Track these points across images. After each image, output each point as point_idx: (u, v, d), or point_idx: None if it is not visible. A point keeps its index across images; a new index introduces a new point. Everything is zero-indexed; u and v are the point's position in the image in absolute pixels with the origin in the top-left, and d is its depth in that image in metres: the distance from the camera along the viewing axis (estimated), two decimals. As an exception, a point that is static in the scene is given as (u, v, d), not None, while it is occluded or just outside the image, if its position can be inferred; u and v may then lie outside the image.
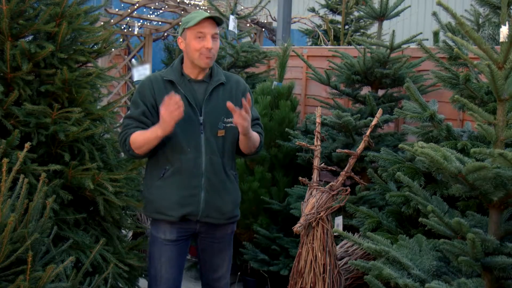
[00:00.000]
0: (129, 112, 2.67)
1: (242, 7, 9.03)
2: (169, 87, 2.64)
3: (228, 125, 2.64)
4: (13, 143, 2.40)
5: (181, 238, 2.71)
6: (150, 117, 2.62)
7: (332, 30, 9.02)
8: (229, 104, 2.46)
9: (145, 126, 2.60)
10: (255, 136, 2.70)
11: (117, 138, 2.70)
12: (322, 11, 9.94)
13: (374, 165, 3.54)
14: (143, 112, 2.61)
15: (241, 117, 2.46)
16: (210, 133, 2.62)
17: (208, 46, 2.60)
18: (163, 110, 2.42)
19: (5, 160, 1.98)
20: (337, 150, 2.95)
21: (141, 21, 8.02)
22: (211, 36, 2.61)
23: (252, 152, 2.77)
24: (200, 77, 2.69)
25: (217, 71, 2.73)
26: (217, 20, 2.64)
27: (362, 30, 9.50)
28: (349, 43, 7.85)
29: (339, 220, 3.20)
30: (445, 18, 3.01)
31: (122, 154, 3.01)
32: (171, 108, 2.40)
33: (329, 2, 9.62)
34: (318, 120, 2.94)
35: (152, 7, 7.62)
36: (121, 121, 2.77)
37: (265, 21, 8.97)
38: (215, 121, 2.62)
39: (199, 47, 2.61)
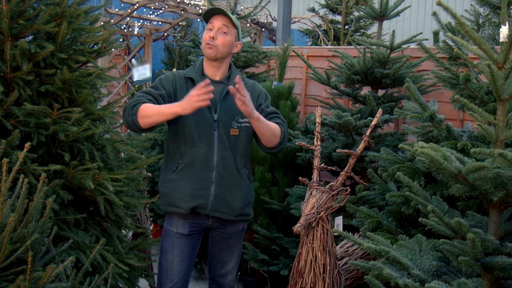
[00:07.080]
0: (147, 89, 2.73)
1: (242, 7, 9.03)
2: (189, 84, 2.73)
3: (243, 125, 2.72)
4: (13, 143, 2.39)
5: (193, 232, 2.78)
6: (164, 102, 2.66)
7: (332, 30, 9.02)
8: (231, 87, 2.50)
9: (159, 104, 2.64)
10: (271, 124, 2.70)
11: (126, 104, 2.69)
12: (322, 11, 9.95)
13: (374, 165, 3.53)
14: (161, 95, 2.67)
15: (239, 101, 2.49)
16: (223, 131, 2.70)
17: (210, 35, 2.68)
18: (195, 92, 2.46)
19: (5, 160, 1.97)
20: (337, 150, 2.94)
21: (141, 21, 8.03)
22: (218, 28, 2.70)
23: (275, 144, 2.74)
24: (217, 77, 2.77)
25: (236, 74, 2.81)
26: (226, 14, 2.70)
27: (362, 30, 9.51)
28: (349, 43, 7.85)
29: (339, 220, 3.20)
30: (445, 18, 3.01)
31: (122, 154, 3.00)
32: (202, 93, 2.44)
33: (329, 2, 9.62)
34: (318, 120, 2.94)
35: (152, 7, 7.62)
36: (121, 120, 2.76)
37: (265, 21, 8.96)
38: (229, 120, 2.70)
39: (205, 38, 2.72)
